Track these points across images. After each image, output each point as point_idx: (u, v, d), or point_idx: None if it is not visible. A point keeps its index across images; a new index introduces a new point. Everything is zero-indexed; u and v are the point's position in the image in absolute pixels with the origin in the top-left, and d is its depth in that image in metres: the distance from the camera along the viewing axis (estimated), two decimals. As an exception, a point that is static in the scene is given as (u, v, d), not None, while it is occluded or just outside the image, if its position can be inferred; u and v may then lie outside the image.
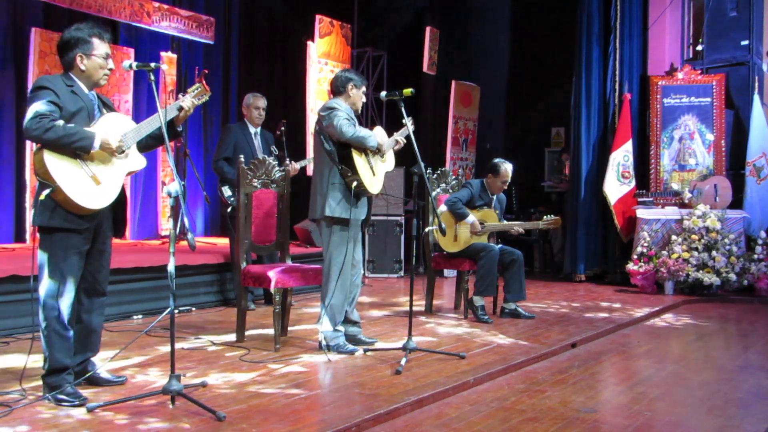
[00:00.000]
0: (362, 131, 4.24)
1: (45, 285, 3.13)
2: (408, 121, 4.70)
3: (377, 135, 4.37)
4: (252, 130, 5.93)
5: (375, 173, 4.37)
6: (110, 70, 3.31)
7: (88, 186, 3.11)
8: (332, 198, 4.24)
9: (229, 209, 5.73)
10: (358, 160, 4.24)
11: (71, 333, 3.19)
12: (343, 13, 8.94)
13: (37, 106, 3.02)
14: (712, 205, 7.60)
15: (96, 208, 3.14)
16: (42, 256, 3.15)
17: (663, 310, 6.52)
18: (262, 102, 5.95)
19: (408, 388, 3.52)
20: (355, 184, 4.21)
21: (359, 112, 4.53)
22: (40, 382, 3.20)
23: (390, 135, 4.56)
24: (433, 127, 9.95)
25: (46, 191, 3.04)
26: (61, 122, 3.04)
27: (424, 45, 9.25)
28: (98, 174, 3.14)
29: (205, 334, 4.74)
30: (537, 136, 10.38)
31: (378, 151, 4.36)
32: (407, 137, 4.46)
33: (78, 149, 3.06)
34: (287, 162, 5.79)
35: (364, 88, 4.46)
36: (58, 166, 3.04)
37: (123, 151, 3.22)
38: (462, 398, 3.56)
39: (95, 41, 3.22)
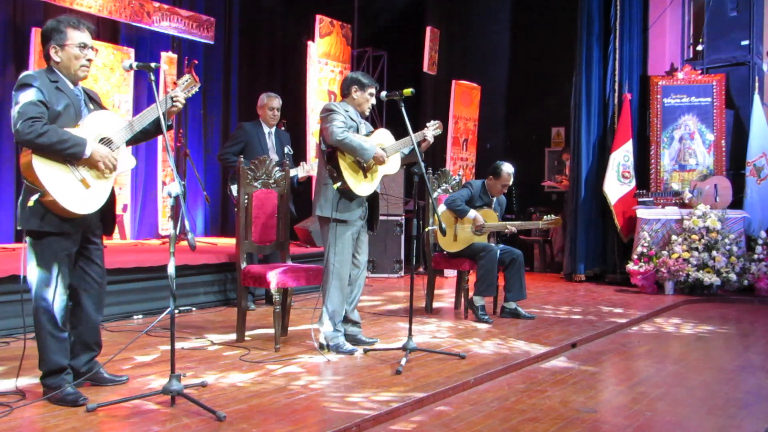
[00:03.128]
0: (354, 139, 4.17)
1: (36, 288, 3.11)
2: (432, 126, 4.58)
3: (377, 140, 4.33)
4: (266, 129, 5.92)
5: (367, 175, 4.30)
6: (89, 60, 3.19)
7: (78, 190, 3.07)
8: (323, 197, 4.26)
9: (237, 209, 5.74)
10: (344, 162, 4.21)
11: (66, 334, 3.17)
12: (343, 13, 8.94)
13: (26, 108, 2.95)
14: (712, 205, 7.60)
15: (86, 213, 3.11)
16: (32, 260, 3.11)
17: (663, 310, 6.52)
18: (276, 102, 5.93)
19: (408, 388, 3.52)
20: (339, 185, 4.19)
21: (366, 114, 4.49)
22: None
23: (398, 138, 4.49)
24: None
25: (35, 196, 2.99)
26: (53, 126, 2.99)
27: (424, 45, 9.25)
28: (87, 178, 3.10)
29: (206, 334, 4.74)
30: (537, 136, 10.38)
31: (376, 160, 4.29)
32: (419, 142, 4.42)
33: (69, 156, 3.02)
34: (301, 163, 5.83)
35: (371, 90, 4.40)
36: (47, 171, 2.99)
37: (114, 161, 3.17)
38: (462, 398, 3.56)
39: (69, 31, 3.12)
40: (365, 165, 4.27)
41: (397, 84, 8.29)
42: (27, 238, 3.12)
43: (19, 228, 3.13)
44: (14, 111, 2.98)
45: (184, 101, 3.38)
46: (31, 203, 3.00)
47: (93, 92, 3.42)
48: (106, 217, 3.36)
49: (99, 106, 3.35)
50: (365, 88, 4.39)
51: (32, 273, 3.12)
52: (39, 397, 3.15)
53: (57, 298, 3.12)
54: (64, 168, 3.04)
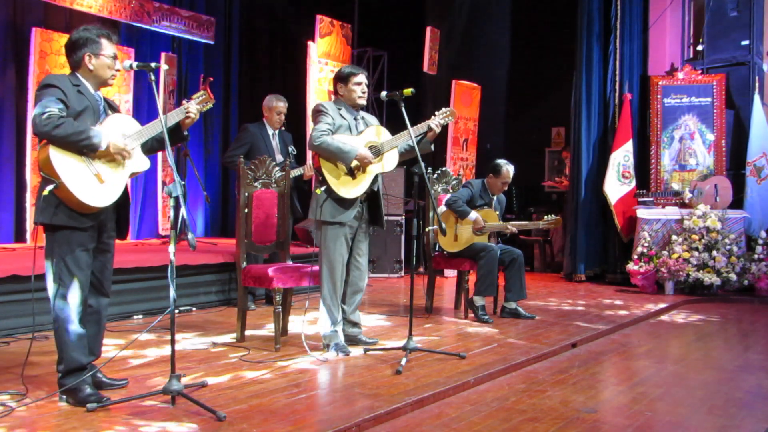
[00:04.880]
0: (332, 144, 4.08)
1: (53, 285, 3.11)
2: (440, 114, 4.29)
3: (367, 139, 4.26)
4: (270, 131, 5.93)
5: (356, 176, 4.19)
6: (117, 71, 3.35)
7: (92, 184, 3.11)
8: (314, 200, 4.27)
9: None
10: (326, 166, 4.17)
11: (84, 331, 3.17)
12: (343, 13, 8.93)
13: (46, 104, 3.03)
14: (712, 205, 7.60)
15: (98, 206, 3.13)
16: (48, 256, 3.13)
17: (663, 310, 6.52)
18: (284, 106, 5.94)
19: (408, 388, 3.52)
20: (323, 188, 4.16)
21: (361, 105, 4.33)
22: (42, 382, 3.20)
23: (393, 133, 4.35)
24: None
25: (50, 187, 3.04)
26: (69, 119, 3.06)
27: (424, 45, 9.24)
28: (102, 173, 3.15)
29: (206, 334, 4.74)
30: (537, 136, 10.38)
31: (366, 163, 4.17)
32: (419, 140, 4.27)
33: (85, 147, 3.07)
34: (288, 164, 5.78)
35: (355, 79, 4.24)
36: (63, 162, 3.04)
37: (129, 154, 3.22)
38: (462, 398, 3.56)
39: (103, 41, 3.26)
40: (351, 167, 4.17)
41: (397, 84, 8.29)
42: (43, 233, 3.14)
43: (35, 223, 3.17)
44: (35, 109, 3.07)
45: (197, 114, 3.49)
46: (45, 192, 3.04)
47: (112, 101, 3.50)
48: (121, 219, 3.39)
49: (117, 112, 3.42)
50: (347, 79, 4.26)
51: (48, 268, 3.13)
52: (39, 397, 3.15)
53: (75, 293, 3.12)
54: (79, 160, 3.10)
